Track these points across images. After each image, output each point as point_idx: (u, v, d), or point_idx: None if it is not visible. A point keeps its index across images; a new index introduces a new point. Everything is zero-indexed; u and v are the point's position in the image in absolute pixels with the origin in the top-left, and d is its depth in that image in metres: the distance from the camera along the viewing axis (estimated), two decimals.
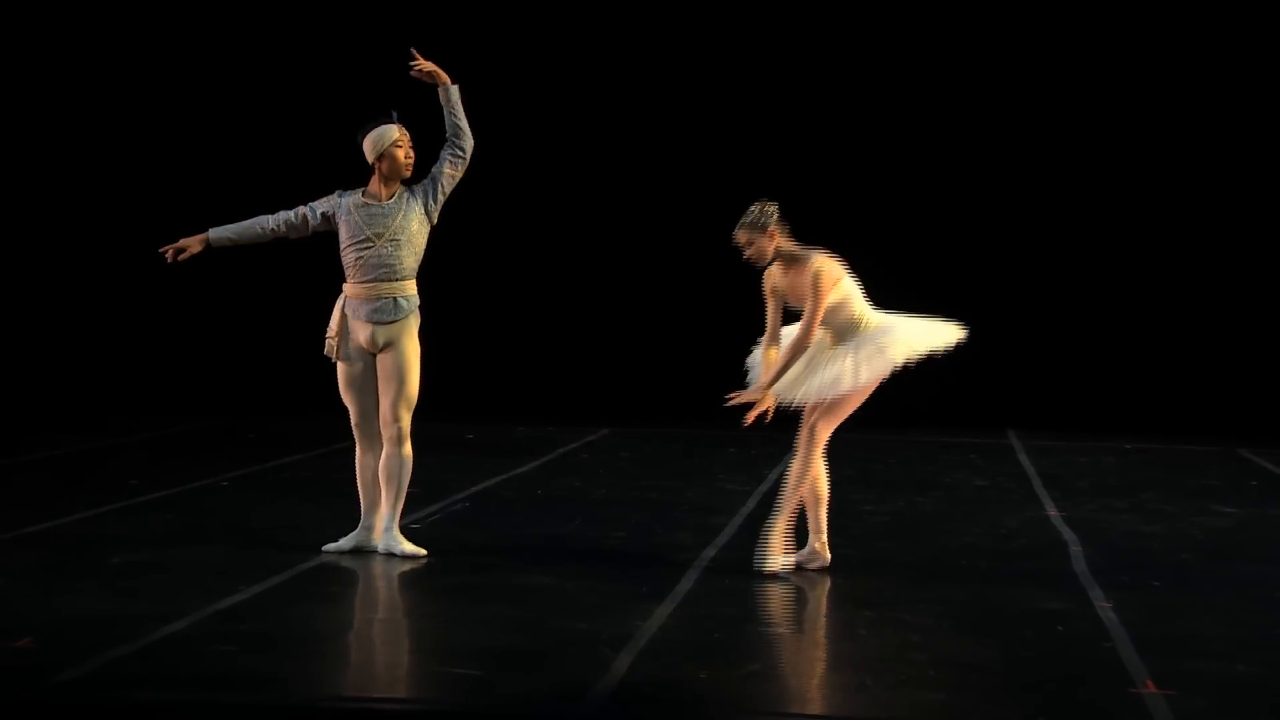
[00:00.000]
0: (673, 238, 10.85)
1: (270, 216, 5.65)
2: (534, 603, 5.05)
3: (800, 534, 5.69)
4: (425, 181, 5.65)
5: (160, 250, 5.57)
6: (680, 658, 4.41)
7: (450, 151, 5.61)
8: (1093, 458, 8.91)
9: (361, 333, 5.57)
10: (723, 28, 10.72)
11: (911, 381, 11.02)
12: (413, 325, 5.60)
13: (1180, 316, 10.19)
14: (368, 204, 5.57)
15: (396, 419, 5.61)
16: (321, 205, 5.64)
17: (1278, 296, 10.10)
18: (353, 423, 5.73)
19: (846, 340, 5.54)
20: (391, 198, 5.58)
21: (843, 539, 6.37)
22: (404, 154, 5.58)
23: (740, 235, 5.53)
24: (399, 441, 5.65)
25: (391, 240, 5.52)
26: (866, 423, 10.23)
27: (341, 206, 5.59)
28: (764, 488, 7.75)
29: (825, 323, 5.51)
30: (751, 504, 7.23)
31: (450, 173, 5.61)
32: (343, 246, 5.60)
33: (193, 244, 5.56)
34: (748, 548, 6.14)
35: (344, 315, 5.60)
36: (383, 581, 5.41)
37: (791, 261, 5.51)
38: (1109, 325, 10.28)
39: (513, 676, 4.17)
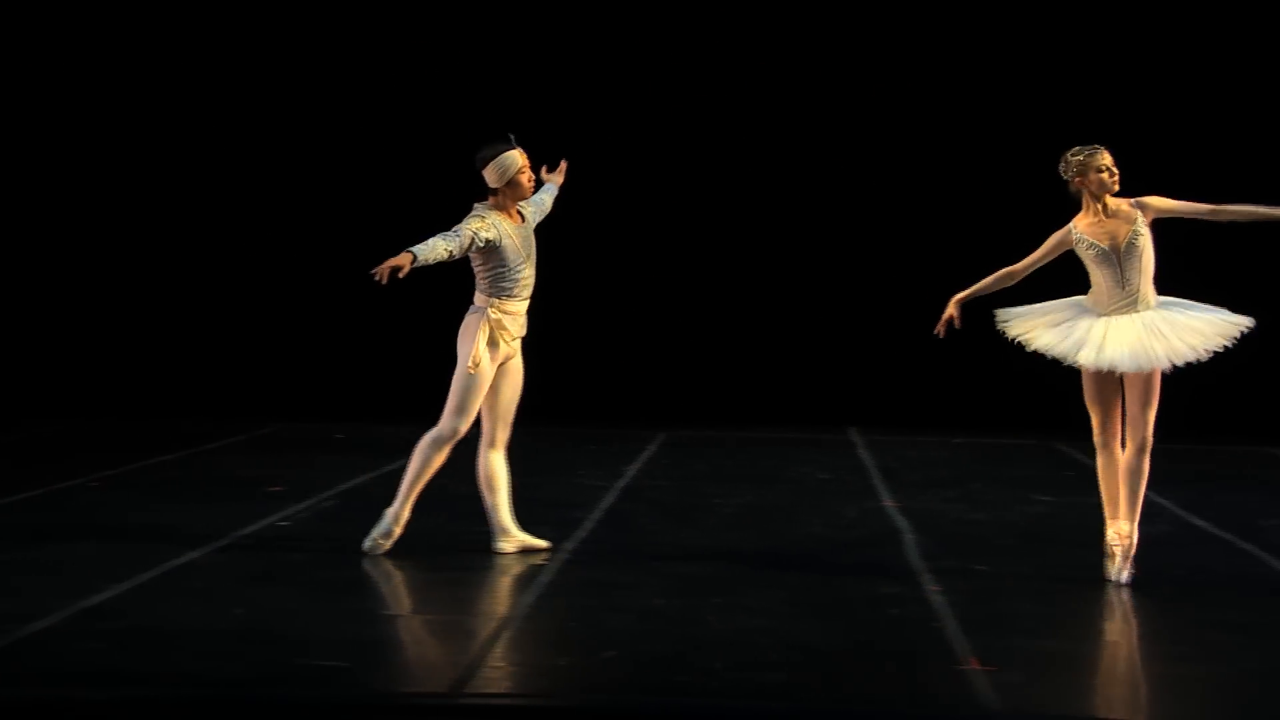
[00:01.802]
0: (561, 238, 10.83)
1: (444, 239, 5.47)
2: (400, 595, 5.01)
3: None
4: (534, 209, 5.78)
5: (372, 272, 5.30)
6: (540, 646, 4.42)
7: (546, 201, 5.93)
8: (925, 451, 9.15)
9: (507, 346, 5.63)
10: (759, 36, 10.64)
11: (758, 381, 11.21)
12: None
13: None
14: (516, 226, 5.63)
15: (510, 426, 5.79)
16: (485, 231, 5.52)
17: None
18: (464, 417, 5.65)
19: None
20: (524, 220, 5.69)
21: (694, 530, 6.44)
22: (528, 178, 5.64)
23: (1109, 157, 5.30)
24: (505, 447, 5.80)
25: (533, 260, 5.65)
26: (717, 420, 10.44)
27: (502, 232, 5.57)
28: (622, 483, 7.80)
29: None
30: (610, 499, 7.27)
31: (541, 217, 5.84)
32: (505, 268, 5.57)
33: (404, 263, 5.34)
34: (606, 540, 6.18)
35: (497, 326, 5.58)
36: (251, 578, 5.30)
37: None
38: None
39: (378, 668, 4.13)
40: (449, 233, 5.51)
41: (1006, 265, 5.53)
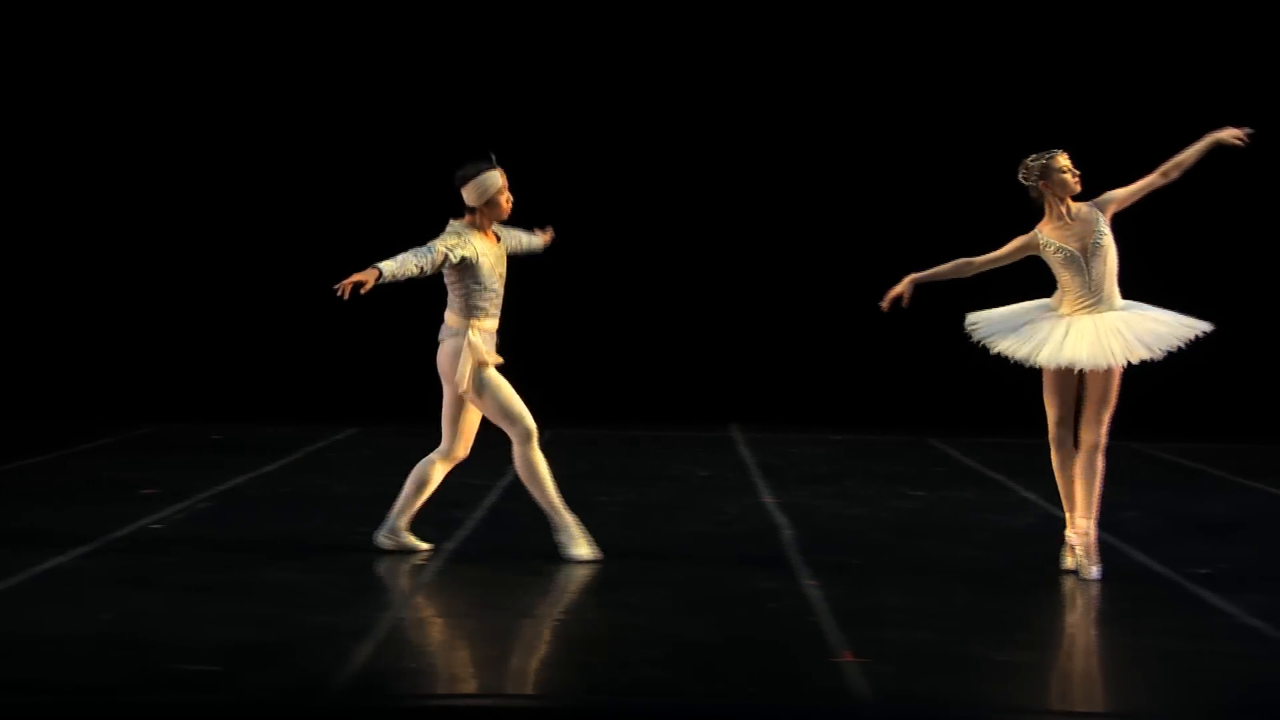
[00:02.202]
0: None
1: (415, 255, 5.40)
2: (276, 598, 4.90)
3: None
4: (509, 235, 5.74)
5: (335, 287, 5.24)
6: (420, 646, 4.36)
7: (527, 243, 5.88)
8: (803, 448, 9.26)
9: (490, 361, 5.60)
10: (754, 38, 10.56)
11: (641, 380, 11.24)
12: None
13: (876, 318, 10.67)
14: (491, 245, 5.60)
15: (468, 446, 5.78)
16: (460, 248, 5.48)
17: (954, 299, 10.66)
18: (518, 417, 5.67)
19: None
20: (498, 240, 5.65)
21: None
22: (507, 199, 5.59)
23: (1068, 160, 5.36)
24: (458, 458, 5.78)
25: (503, 281, 5.62)
26: (599, 419, 10.44)
27: (478, 250, 5.53)
28: (504, 481, 7.75)
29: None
30: (493, 497, 7.21)
31: (518, 255, 5.82)
32: (480, 287, 5.54)
33: (368, 278, 5.28)
34: (487, 539, 6.14)
35: (472, 346, 5.53)
36: (121, 582, 5.14)
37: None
38: (816, 326, 10.67)
39: (252, 671, 4.03)
40: (421, 248, 5.45)
41: (906, 267, 5.56)
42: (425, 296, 10.85)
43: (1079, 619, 4.73)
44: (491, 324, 5.60)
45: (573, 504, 7.06)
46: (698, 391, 10.74)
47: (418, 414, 10.47)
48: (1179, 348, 5.24)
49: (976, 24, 10.40)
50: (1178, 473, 8.21)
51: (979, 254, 5.48)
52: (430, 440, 9.48)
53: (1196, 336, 5.24)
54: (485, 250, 5.54)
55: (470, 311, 5.54)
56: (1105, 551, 5.95)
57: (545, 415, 10.19)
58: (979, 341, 5.48)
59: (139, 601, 4.90)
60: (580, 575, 5.40)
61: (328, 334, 10.77)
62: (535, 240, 6.02)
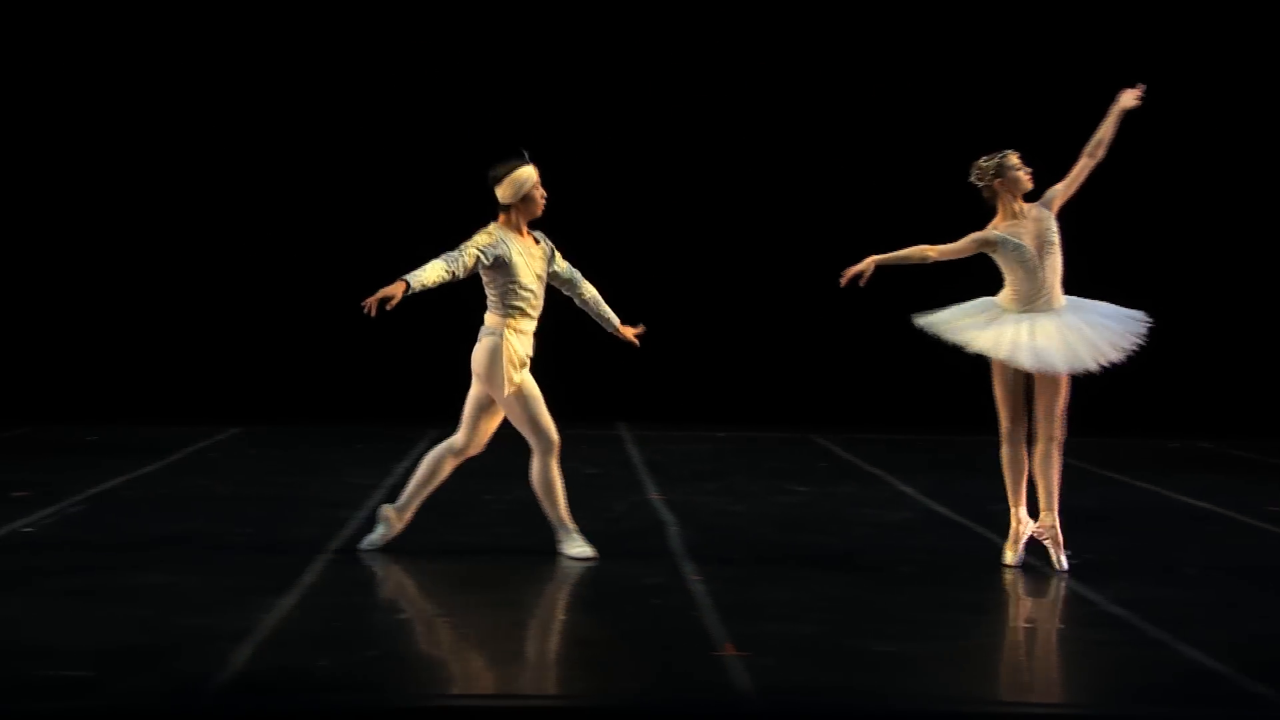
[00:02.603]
0: (339, 239, 10.57)
1: (444, 261, 5.36)
2: (152, 601, 4.77)
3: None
4: (553, 252, 5.59)
5: (363, 304, 5.17)
6: (301, 647, 4.28)
7: (575, 283, 5.69)
8: (689, 445, 9.32)
9: (521, 366, 5.51)
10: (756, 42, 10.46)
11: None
12: None
13: (763, 317, 10.79)
14: (527, 244, 5.50)
15: (553, 434, 5.61)
16: (493, 248, 5.41)
17: (848, 296, 10.81)
18: (545, 430, 5.57)
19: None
20: (537, 241, 5.55)
21: (462, 527, 6.38)
22: (541, 194, 5.50)
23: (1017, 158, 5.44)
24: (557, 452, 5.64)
25: (542, 282, 5.53)
26: None
27: (511, 250, 5.43)
28: (390, 481, 7.65)
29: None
30: (378, 497, 7.12)
31: (555, 274, 5.62)
32: (515, 286, 5.45)
33: (396, 292, 5.22)
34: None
35: (507, 346, 5.45)
36: None
37: None
38: (702, 324, 10.73)
39: (126, 675, 3.92)
40: (451, 253, 5.39)
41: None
42: (311, 295, 10.73)
43: (954, 610, 4.83)
44: (529, 325, 5.52)
45: (459, 503, 7.01)
46: (585, 390, 10.73)
47: (304, 413, 10.37)
48: (1138, 346, 5.36)
49: (917, 31, 10.53)
50: None
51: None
52: (318, 439, 9.39)
53: (1143, 331, 5.37)
54: (520, 249, 5.46)
55: (507, 311, 5.46)
56: (978, 544, 6.10)
57: (433, 414, 10.20)
58: (948, 340, 5.49)
59: (8, 606, 4.73)
60: (466, 574, 5.35)
61: (211, 332, 10.54)
62: (606, 313, 5.77)
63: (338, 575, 5.29)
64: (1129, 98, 5.46)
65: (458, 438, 5.67)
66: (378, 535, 5.64)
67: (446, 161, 10.43)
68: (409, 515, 5.66)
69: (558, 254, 5.66)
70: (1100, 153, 5.46)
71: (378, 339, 10.92)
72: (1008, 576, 5.43)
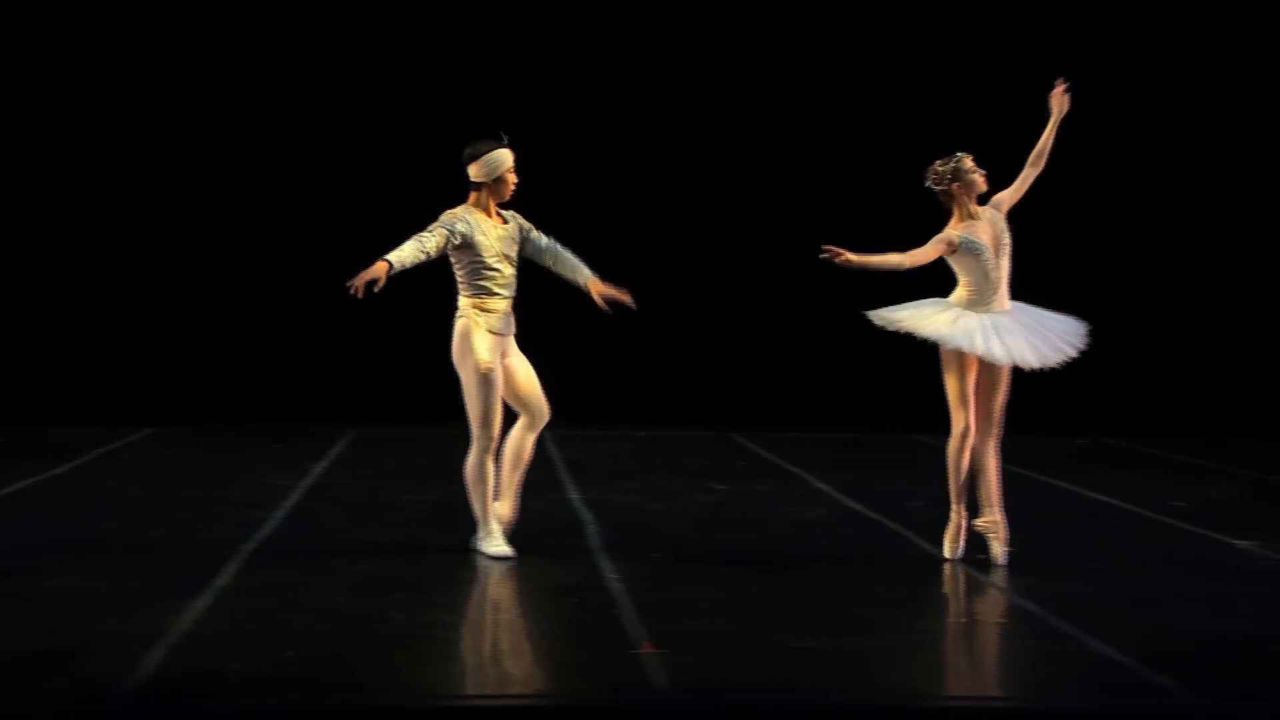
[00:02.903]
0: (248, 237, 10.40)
1: (417, 242, 5.37)
2: (61, 604, 4.66)
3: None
4: (527, 230, 5.62)
5: (348, 284, 5.18)
6: (213, 650, 4.21)
7: (547, 260, 5.67)
8: (609, 445, 9.32)
9: (497, 345, 5.52)
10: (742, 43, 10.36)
11: (450, 379, 11.10)
12: None
13: (682, 316, 10.82)
14: (494, 224, 5.52)
15: (537, 403, 5.63)
16: (459, 225, 5.45)
17: (764, 294, 10.90)
18: (492, 425, 5.50)
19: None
20: (505, 221, 5.57)
21: (381, 527, 6.32)
22: (513, 180, 5.54)
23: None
24: (537, 432, 5.64)
25: (513, 261, 5.54)
26: (410, 417, 10.28)
27: (475, 229, 5.46)
28: (308, 481, 7.56)
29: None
30: (295, 497, 7.03)
31: (535, 249, 5.64)
32: (481, 265, 5.47)
33: (380, 274, 5.25)
34: (287, 540, 5.97)
35: (477, 327, 5.45)
36: None
37: None
38: (621, 324, 10.70)
39: (34, 679, 3.82)
40: (423, 233, 5.38)
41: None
42: (226, 293, 10.55)
43: (869, 606, 4.88)
44: (499, 304, 5.52)
45: (377, 504, 6.94)
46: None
47: (221, 413, 10.19)
48: (1079, 351, 5.48)
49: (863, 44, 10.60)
50: None
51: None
52: (235, 440, 9.23)
53: (1083, 337, 5.50)
54: (487, 229, 5.49)
55: (474, 291, 5.50)
56: (893, 540, 6.17)
57: (358, 416, 10.10)
58: (905, 331, 5.52)
59: None
60: (384, 574, 5.30)
61: (122, 331, 10.32)
62: (580, 270, 5.72)
63: (253, 577, 5.21)
64: (1058, 101, 5.58)
65: (521, 420, 5.70)
66: (492, 537, 5.57)
67: (387, 159, 10.37)
68: (512, 502, 5.67)
69: (534, 232, 5.67)
70: (1041, 162, 5.59)
71: (295, 338, 10.80)
72: (920, 572, 5.50)
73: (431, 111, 10.30)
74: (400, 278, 5.46)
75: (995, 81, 10.25)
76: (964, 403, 5.49)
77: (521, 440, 5.69)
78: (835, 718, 3.76)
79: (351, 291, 5.22)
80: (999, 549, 5.53)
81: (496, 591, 5.09)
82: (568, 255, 5.75)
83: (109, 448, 8.59)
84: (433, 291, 10.87)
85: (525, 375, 5.66)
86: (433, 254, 5.43)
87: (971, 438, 5.51)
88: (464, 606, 4.84)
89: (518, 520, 5.71)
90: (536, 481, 7.79)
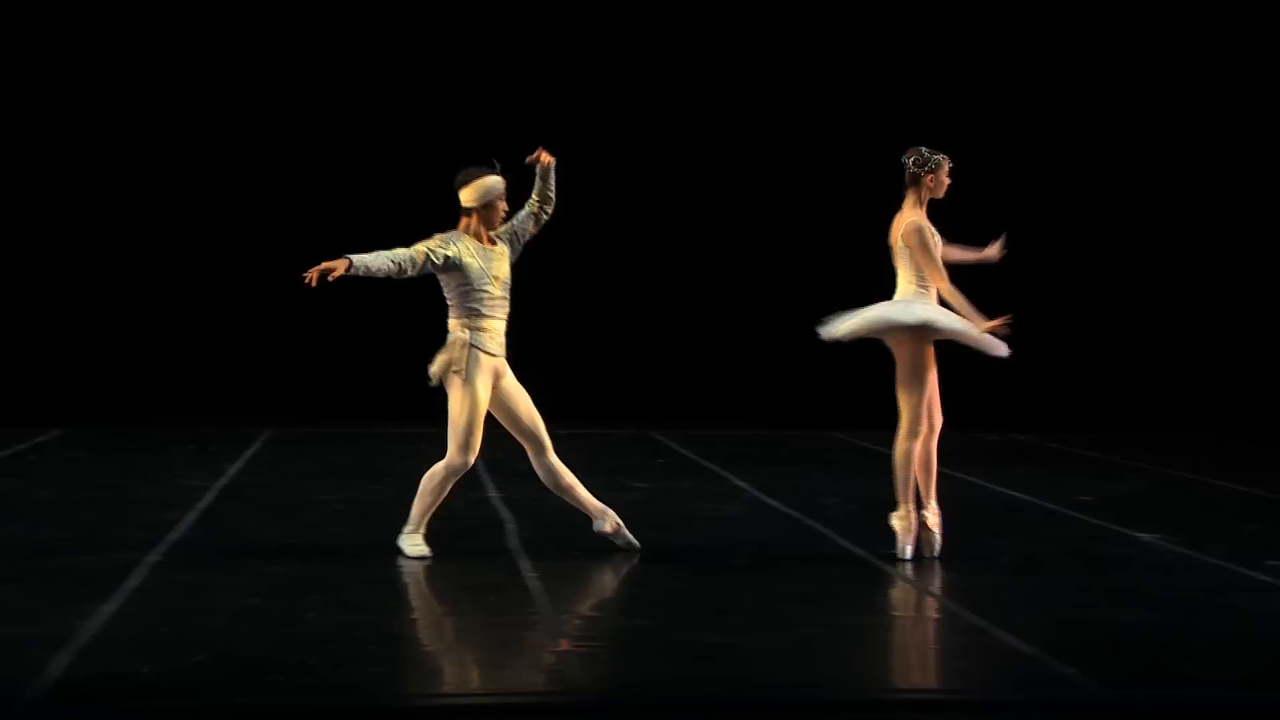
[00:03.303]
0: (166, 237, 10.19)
1: (391, 254, 5.43)
2: None
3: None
4: (508, 233, 5.63)
5: (304, 275, 5.23)
6: (123, 653, 4.12)
7: (538, 212, 5.66)
8: None
9: (489, 364, 5.55)
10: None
11: (371, 376, 11.04)
12: None
13: (603, 315, 10.83)
14: (483, 247, 5.57)
15: (543, 430, 5.71)
16: (442, 249, 5.50)
17: (683, 293, 10.93)
18: (470, 450, 5.54)
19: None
20: (494, 242, 5.62)
21: (297, 528, 6.24)
22: (503, 208, 5.60)
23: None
24: (551, 449, 5.71)
25: (504, 283, 5.59)
26: (328, 417, 10.16)
27: (463, 251, 5.51)
28: (223, 482, 7.43)
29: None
30: (209, 498, 6.91)
31: (532, 231, 5.68)
32: (469, 287, 5.52)
33: (339, 267, 5.31)
34: (200, 541, 5.86)
35: (470, 348, 5.49)
36: None
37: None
38: (542, 322, 10.67)
39: None
40: (401, 249, 5.42)
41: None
42: (138, 292, 10.34)
43: (786, 601, 4.91)
44: (491, 324, 5.56)
45: (294, 504, 6.85)
46: (425, 389, 10.60)
47: (133, 414, 9.97)
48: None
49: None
50: (875, 459, 8.68)
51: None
52: (148, 441, 9.04)
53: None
54: (475, 252, 5.54)
55: (464, 313, 5.53)
56: (810, 536, 6.23)
57: (273, 415, 9.96)
58: (852, 335, 5.58)
59: None
60: (301, 574, 5.22)
61: (29, 330, 10.07)
62: (534, 199, 5.66)
63: (164, 579, 5.10)
64: (992, 252, 5.75)
65: (531, 452, 5.76)
66: (414, 537, 5.56)
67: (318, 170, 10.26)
68: (604, 510, 5.70)
69: (514, 220, 5.66)
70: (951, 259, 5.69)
71: (211, 337, 10.62)
72: (836, 567, 5.55)
73: (386, 128, 10.26)
74: (331, 282, 5.39)
75: (963, 87, 10.40)
76: (916, 398, 5.55)
77: (549, 470, 5.74)
78: (751, 712, 3.78)
79: (306, 281, 5.29)
80: (933, 542, 5.62)
81: (415, 591, 5.05)
82: (517, 220, 5.70)
83: (16, 449, 8.39)
84: (351, 294, 10.80)
85: (525, 407, 5.71)
86: (410, 271, 5.46)
87: (919, 436, 5.59)
88: (382, 607, 4.78)
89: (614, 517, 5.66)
90: (456, 482, 7.74)
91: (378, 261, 5.41)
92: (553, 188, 5.72)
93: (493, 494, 7.25)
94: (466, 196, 5.56)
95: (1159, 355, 10.70)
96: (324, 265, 5.31)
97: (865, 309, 5.59)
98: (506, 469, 8.08)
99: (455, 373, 5.51)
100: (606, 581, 5.27)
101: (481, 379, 5.54)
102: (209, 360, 10.42)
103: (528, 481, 7.64)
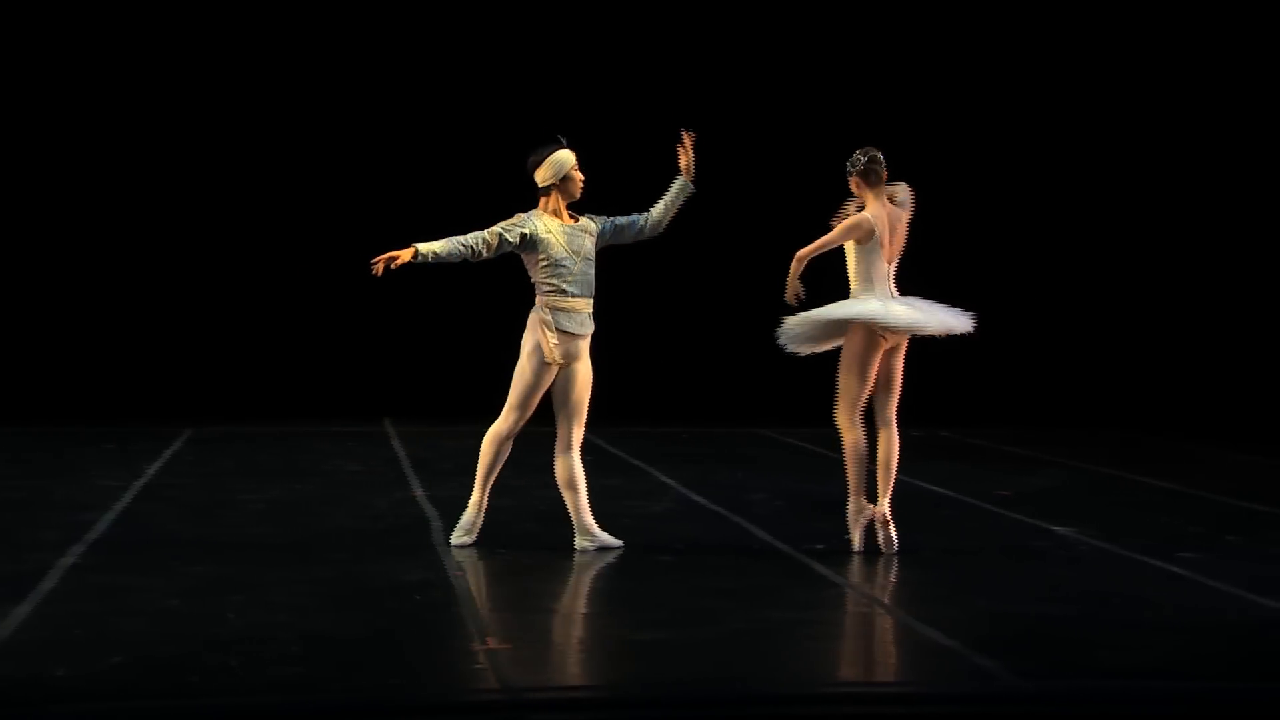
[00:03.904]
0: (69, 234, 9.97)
1: (463, 237, 5.46)
2: None
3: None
4: (604, 221, 5.65)
5: (372, 262, 5.27)
6: (35, 656, 4.03)
7: (641, 226, 5.66)
8: (457, 441, 9.22)
9: (564, 344, 5.55)
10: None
11: (296, 375, 10.91)
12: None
13: (514, 316, 10.77)
14: (564, 225, 5.57)
15: (582, 426, 5.71)
16: (519, 227, 5.52)
17: (608, 290, 10.86)
18: (523, 410, 5.60)
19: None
20: (576, 220, 5.61)
21: (218, 527, 6.14)
22: (580, 177, 5.59)
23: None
24: (579, 446, 5.71)
25: (586, 259, 5.57)
26: (250, 415, 10.01)
27: (539, 227, 5.52)
28: (141, 482, 7.30)
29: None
30: (128, 498, 6.78)
31: (622, 237, 5.68)
32: (550, 264, 5.52)
33: (404, 255, 5.35)
34: (118, 542, 5.75)
35: (548, 326, 5.51)
36: None
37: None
38: (466, 319, 10.63)
39: None
40: (475, 232, 5.48)
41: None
42: (49, 287, 10.11)
43: (710, 597, 4.93)
44: (573, 303, 5.55)
45: (213, 503, 6.74)
46: (351, 386, 10.51)
47: (43, 414, 9.74)
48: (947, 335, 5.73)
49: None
50: (801, 456, 8.75)
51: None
52: (63, 441, 8.84)
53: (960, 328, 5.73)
54: (555, 229, 5.54)
55: (545, 290, 5.55)
56: (735, 532, 6.26)
57: (194, 414, 9.79)
58: (794, 334, 5.69)
59: None
60: (221, 575, 5.15)
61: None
62: (667, 197, 5.64)
63: (79, 581, 5.00)
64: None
65: (559, 438, 5.75)
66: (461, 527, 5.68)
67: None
68: (591, 521, 5.74)
69: (614, 219, 5.68)
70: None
71: (130, 335, 10.41)
72: (760, 563, 5.59)
73: (378, 130, 10.15)
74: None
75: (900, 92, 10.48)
76: (856, 390, 5.63)
77: (567, 465, 5.74)
78: (677, 707, 3.80)
79: (372, 270, 5.30)
80: (888, 534, 5.68)
81: (338, 590, 4.99)
82: (657, 208, 5.70)
83: None
84: (275, 291, 10.69)
85: (577, 396, 5.67)
86: (484, 253, 5.48)
87: (860, 426, 5.67)
88: (304, 606, 4.73)
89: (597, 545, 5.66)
90: (381, 479, 7.69)
91: (448, 246, 5.44)
92: (674, 213, 5.70)
93: (418, 492, 7.20)
94: (541, 175, 5.58)
95: (1078, 354, 10.91)
96: (391, 253, 5.33)
97: (820, 311, 5.69)
98: (432, 467, 8.04)
99: (534, 352, 5.53)
100: (533, 579, 5.26)
101: (554, 357, 5.55)
102: (129, 359, 10.23)
103: (454, 479, 7.61)
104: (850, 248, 5.67)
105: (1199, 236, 10.95)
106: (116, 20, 10.15)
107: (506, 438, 5.70)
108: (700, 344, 10.56)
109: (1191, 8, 10.72)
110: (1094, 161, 11.00)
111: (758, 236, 10.08)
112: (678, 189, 5.70)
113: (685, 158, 5.69)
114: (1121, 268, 10.90)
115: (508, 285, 10.76)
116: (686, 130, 5.69)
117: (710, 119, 10.36)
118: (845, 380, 5.64)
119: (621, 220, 5.71)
